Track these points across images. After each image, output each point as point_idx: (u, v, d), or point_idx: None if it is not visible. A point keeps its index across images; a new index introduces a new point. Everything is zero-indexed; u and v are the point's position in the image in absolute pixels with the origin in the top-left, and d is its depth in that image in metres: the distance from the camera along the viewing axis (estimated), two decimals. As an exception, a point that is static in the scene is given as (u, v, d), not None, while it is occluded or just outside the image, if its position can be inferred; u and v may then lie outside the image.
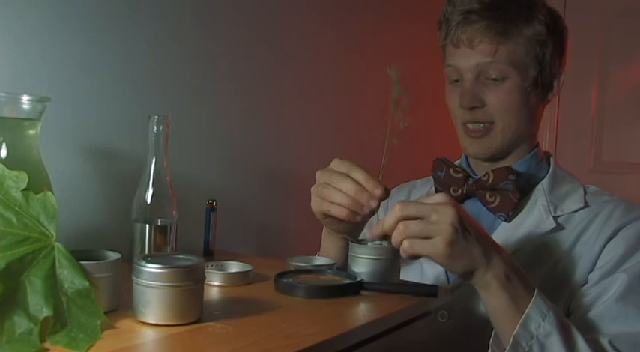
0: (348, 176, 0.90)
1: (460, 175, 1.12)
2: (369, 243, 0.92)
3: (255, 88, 1.45)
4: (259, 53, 1.45)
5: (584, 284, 1.00)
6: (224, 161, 1.37)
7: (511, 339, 0.82)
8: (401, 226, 0.82)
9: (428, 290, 0.89)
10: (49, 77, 1.02)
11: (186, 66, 1.27)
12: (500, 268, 0.84)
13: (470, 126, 1.09)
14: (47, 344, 0.62)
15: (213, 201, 1.18)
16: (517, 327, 0.82)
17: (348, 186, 0.89)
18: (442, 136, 1.89)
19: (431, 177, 1.20)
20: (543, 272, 1.02)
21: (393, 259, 0.92)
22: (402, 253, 0.82)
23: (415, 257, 0.82)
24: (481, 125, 1.08)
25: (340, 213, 0.90)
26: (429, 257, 0.81)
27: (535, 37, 1.05)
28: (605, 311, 0.94)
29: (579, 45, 2.61)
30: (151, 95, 1.19)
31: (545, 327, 0.83)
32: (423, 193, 1.25)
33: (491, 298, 0.85)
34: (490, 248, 0.85)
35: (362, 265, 0.91)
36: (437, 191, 1.16)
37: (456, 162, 1.19)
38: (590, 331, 0.92)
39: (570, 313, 0.99)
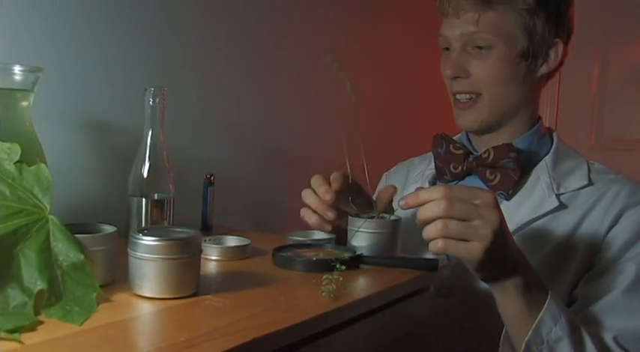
0: (313, 191, 0.98)
1: (460, 152, 1.10)
2: (369, 217, 0.91)
3: (254, 61, 1.43)
4: (258, 28, 1.43)
5: (589, 268, 0.98)
6: (222, 135, 1.36)
7: (523, 345, 0.82)
8: (440, 224, 0.77)
9: (428, 264, 0.88)
10: (42, 49, 1.00)
11: (183, 37, 1.25)
12: (521, 276, 0.83)
13: (457, 96, 1.08)
14: (42, 317, 0.61)
15: (211, 175, 1.17)
16: (529, 332, 0.82)
17: (310, 201, 0.98)
18: (440, 111, 1.88)
19: (428, 154, 1.19)
20: (545, 253, 1.00)
21: (392, 232, 0.91)
22: (431, 248, 0.79)
23: (442, 253, 0.81)
24: (467, 95, 1.07)
25: (314, 225, 0.99)
26: (460, 258, 0.80)
27: (523, 6, 1.02)
28: (612, 303, 0.93)
29: (581, 22, 2.57)
30: (147, 67, 1.17)
31: (557, 332, 0.82)
32: (422, 170, 1.23)
33: (507, 304, 0.85)
34: (515, 255, 0.83)
35: (361, 239, 0.90)
36: (436, 167, 1.14)
37: (455, 137, 1.17)
38: (595, 324, 0.92)
39: (574, 299, 0.98)
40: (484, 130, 1.10)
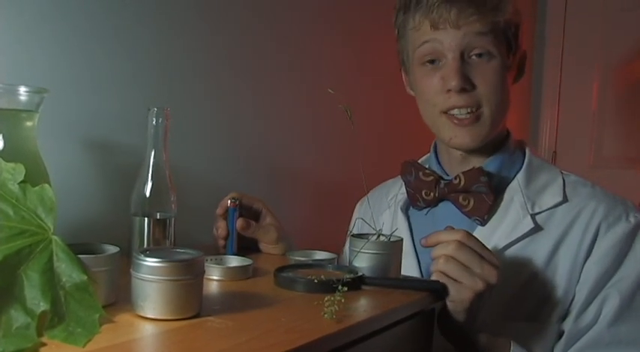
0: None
1: (431, 178, 1.07)
2: (370, 238, 0.91)
3: (258, 81, 1.44)
4: (262, 48, 1.44)
5: (571, 298, 0.97)
6: (224, 154, 1.36)
7: None
8: (442, 259, 0.86)
9: (429, 286, 0.88)
10: (47, 69, 1.01)
11: (187, 58, 1.26)
12: (483, 338, 0.91)
13: (455, 112, 1.01)
14: (44, 339, 0.61)
15: (236, 199, 1.09)
16: None
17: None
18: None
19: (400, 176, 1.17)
20: (523, 279, 0.99)
21: (394, 254, 0.91)
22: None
23: None
24: (467, 110, 1.00)
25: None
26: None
27: (513, 17, 1.01)
28: (598, 338, 0.93)
29: (581, 39, 2.60)
30: (150, 87, 1.18)
31: None
32: (395, 194, 1.21)
33: None
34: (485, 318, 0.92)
35: (363, 260, 0.90)
36: (409, 194, 1.12)
37: (422, 160, 1.15)
38: None
39: (561, 332, 0.98)
40: (478, 150, 1.05)
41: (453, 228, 0.90)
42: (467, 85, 0.99)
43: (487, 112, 1.01)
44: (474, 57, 1.00)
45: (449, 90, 1.00)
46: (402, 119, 1.93)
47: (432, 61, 1.03)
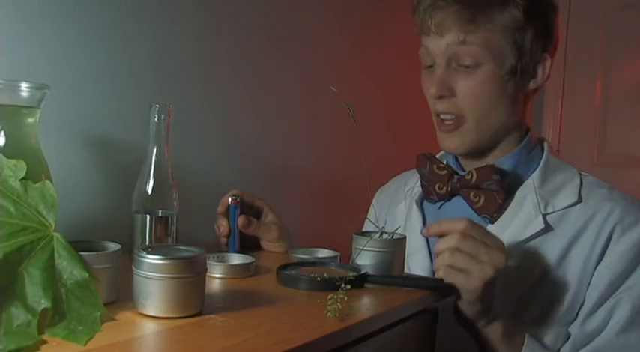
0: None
1: (444, 172, 1.06)
2: (373, 235, 0.91)
3: (259, 79, 1.43)
4: (263, 45, 1.43)
5: (581, 302, 0.96)
6: (225, 152, 1.36)
7: None
8: (447, 253, 0.85)
9: (433, 284, 0.87)
10: (49, 66, 1.01)
11: (188, 56, 1.25)
12: (501, 322, 0.89)
13: (442, 116, 1.03)
14: (46, 337, 0.60)
15: (237, 196, 1.08)
16: None
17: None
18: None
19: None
20: (532, 281, 0.97)
21: (397, 251, 0.90)
22: (437, 275, 0.88)
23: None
24: (451, 116, 1.01)
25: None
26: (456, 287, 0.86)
27: (511, 23, 0.97)
28: (606, 343, 0.92)
29: (583, 39, 2.59)
30: (153, 84, 1.18)
31: None
32: (412, 186, 1.20)
33: (489, 350, 0.90)
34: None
35: (366, 257, 0.89)
36: (423, 187, 1.11)
37: (438, 155, 1.14)
38: None
39: (568, 335, 0.97)
40: (474, 153, 1.05)
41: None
42: (445, 93, 1.00)
43: (471, 121, 1.01)
44: (460, 66, 0.99)
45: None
46: (402, 117, 1.93)
47: (430, 66, 1.04)
